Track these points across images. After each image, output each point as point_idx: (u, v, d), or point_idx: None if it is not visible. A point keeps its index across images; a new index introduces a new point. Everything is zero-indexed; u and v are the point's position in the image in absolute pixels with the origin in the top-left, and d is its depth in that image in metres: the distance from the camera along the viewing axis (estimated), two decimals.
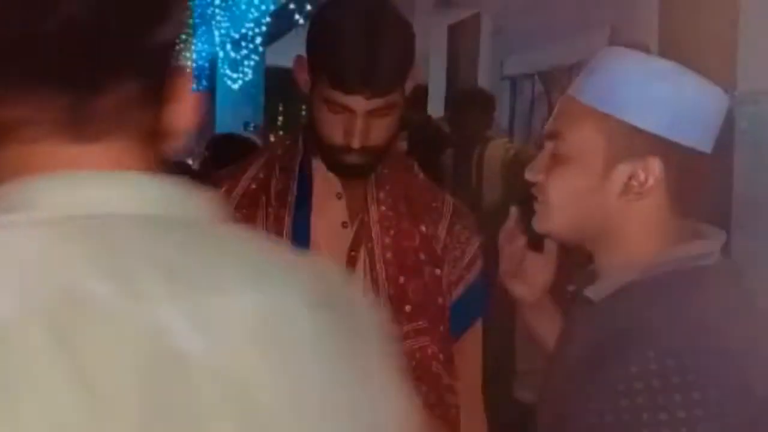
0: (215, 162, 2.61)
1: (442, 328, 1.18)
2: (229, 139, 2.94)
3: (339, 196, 1.18)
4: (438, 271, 1.19)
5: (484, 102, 3.35)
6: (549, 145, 0.87)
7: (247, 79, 8.60)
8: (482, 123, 3.27)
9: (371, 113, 1.07)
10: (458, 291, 1.22)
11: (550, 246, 0.99)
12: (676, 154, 0.81)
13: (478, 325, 1.25)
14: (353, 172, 1.13)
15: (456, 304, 1.21)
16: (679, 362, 0.72)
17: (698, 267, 0.81)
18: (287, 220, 1.14)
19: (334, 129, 1.09)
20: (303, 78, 1.14)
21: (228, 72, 8.87)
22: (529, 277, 1.00)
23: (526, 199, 0.93)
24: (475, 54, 5.69)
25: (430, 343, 1.15)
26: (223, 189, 1.18)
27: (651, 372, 0.71)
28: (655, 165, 0.81)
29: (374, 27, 1.06)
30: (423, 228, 1.19)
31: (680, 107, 0.81)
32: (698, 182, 0.84)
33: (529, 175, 0.88)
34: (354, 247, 1.16)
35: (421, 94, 3.17)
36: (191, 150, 5.88)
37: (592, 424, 0.73)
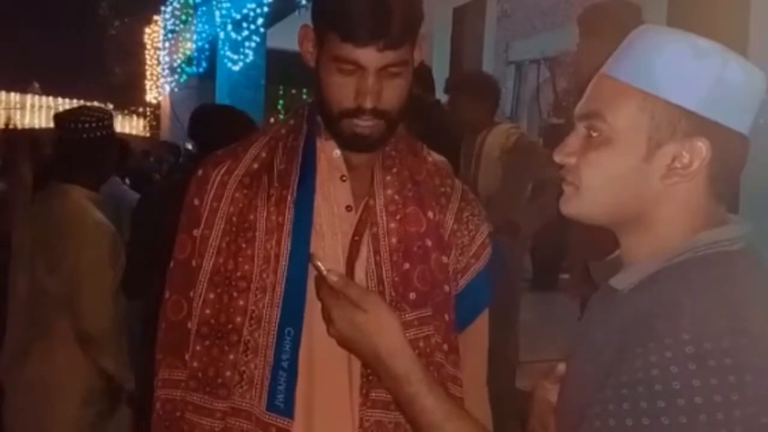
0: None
1: (447, 317, 1.13)
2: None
3: (343, 179, 1.13)
4: (444, 259, 1.14)
5: (487, 87, 3.24)
6: (581, 126, 0.83)
7: (248, 61, 8.51)
8: (484, 109, 3.17)
9: (383, 71, 1.03)
10: (465, 279, 1.17)
11: None
12: (720, 136, 0.77)
13: (485, 315, 1.21)
14: (363, 143, 1.08)
15: (462, 293, 1.16)
16: (716, 346, 0.68)
17: (727, 251, 0.78)
18: (289, 202, 1.10)
19: (345, 92, 1.05)
20: (307, 49, 1.09)
21: (229, 53, 8.77)
22: None
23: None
24: (480, 38, 5.62)
25: (434, 333, 1.11)
26: (225, 168, 1.13)
27: (687, 356, 0.68)
28: (702, 147, 0.77)
29: None
30: (430, 213, 1.14)
31: (724, 87, 0.77)
32: (737, 167, 0.80)
33: (557, 157, 0.84)
34: (358, 232, 1.12)
35: (427, 76, 3.06)
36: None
37: (624, 411, 0.70)
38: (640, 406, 0.69)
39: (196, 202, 1.13)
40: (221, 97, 9.05)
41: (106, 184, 2.45)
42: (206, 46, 10.03)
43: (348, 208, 1.13)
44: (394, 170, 1.14)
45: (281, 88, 11.37)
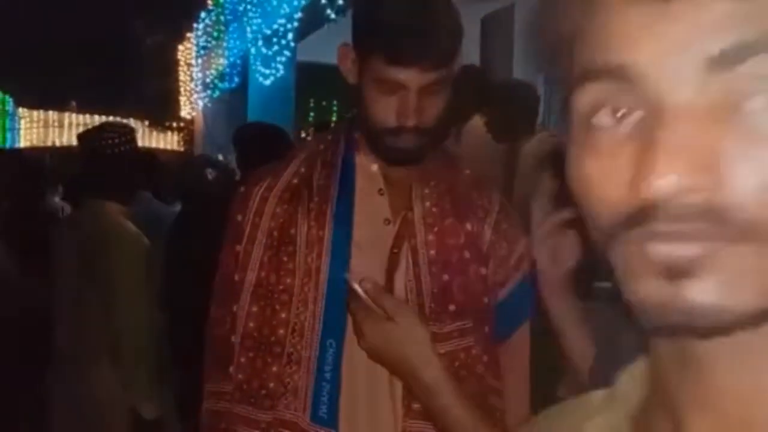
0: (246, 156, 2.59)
1: (487, 328, 1.14)
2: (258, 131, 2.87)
3: (381, 193, 1.15)
4: (483, 270, 1.15)
5: (531, 97, 3.16)
6: None
7: (278, 75, 8.62)
8: (528, 120, 3.10)
9: (424, 90, 1.06)
10: (504, 291, 1.18)
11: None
12: None
13: (526, 327, 1.21)
14: (405, 157, 1.11)
15: (502, 305, 1.17)
16: None
17: None
18: (329, 216, 1.12)
19: (387, 111, 1.08)
20: (347, 67, 1.12)
21: (260, 68, 8.90)
22: (558, 255, 0.97)
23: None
24: (509, 47, 5.61)
25: (475, 344, 1.12)
26: (266, 184, 1.16)
27: None
28: None
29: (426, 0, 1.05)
30: (468, 225, 1.16)
31: None
32: None
33: None
34: (396, 245, 1.13)
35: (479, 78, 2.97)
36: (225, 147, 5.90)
37: None
38: None
39: (239, 218, 1.16)
40: (253, 110, 9.17)
41: (137, 200, 2.52)
42: (238, 61, 10.18)
43: (386, 221, 1.14)
44: (432, 183, 1.16)
45: (311, 100, 11.47)
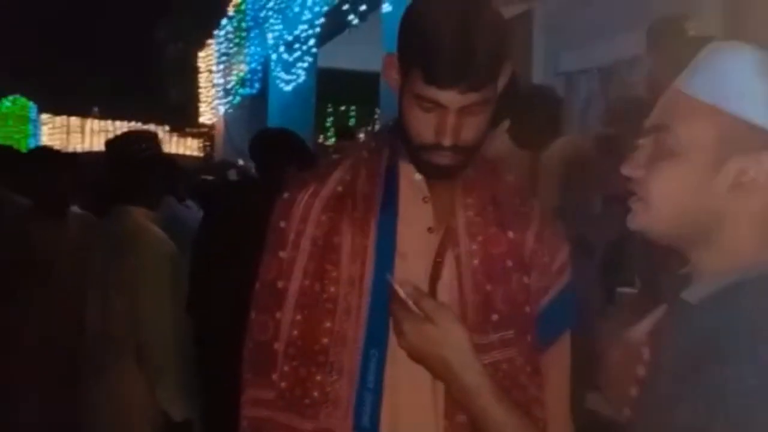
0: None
1: (529, 338, 1.13)
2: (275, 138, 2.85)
3: (425, 200, 1.14)
4: (526, 279, 1.14)
5: (549, 101, 3.14)
6: (649, 140, 0.84)
7: (299, 81, 8.66)
8: (548, 126, 3.07)
9: (464, 110, 1.04)
10: (546, 299, 1.16)
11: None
12: None
13: (567, 336, 1.20)
14: (442, 173, 1.10)
15: (544, 313, 1.16)
16: None
17: None
18: (373, 225, 1.11)
19: (424, 127, 1.06)
20: (392, 76, 1.10)
21: (281, 74, 8.94)
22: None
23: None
24: (528, 50, 5.59)
25: (517, 354, 1.11)
26: (310, 191, 1.15)
27: (766, 370, 0.68)
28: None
29: (468, 18, 1.01)
30: (510, 234, 1.14)
31: None
32: None
33: (626, 171, 0.85)
34: (440, 254, 1.12)
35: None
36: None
37: (700, 428, 0.69)
38: (715, 421, 0.68)
39: (282, 224, 1.15)
40: (273, 116, 9.21)
41: (163, 205, 2.54)
42: (258, 67, 10.23)
43: (430, 229, 1.13)
44: (475, 192, 1.15)
45: (330, 105, 11.51)
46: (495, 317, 1.10)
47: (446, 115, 1.03)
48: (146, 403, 2.18)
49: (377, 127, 7.62)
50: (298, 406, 1.09)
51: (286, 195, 1.18)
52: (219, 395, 1.46)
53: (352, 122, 11.35)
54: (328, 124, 11.45)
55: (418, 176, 1.14)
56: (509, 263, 1.13)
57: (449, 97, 1.02)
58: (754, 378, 0.68)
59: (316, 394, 1.08)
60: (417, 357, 0.95)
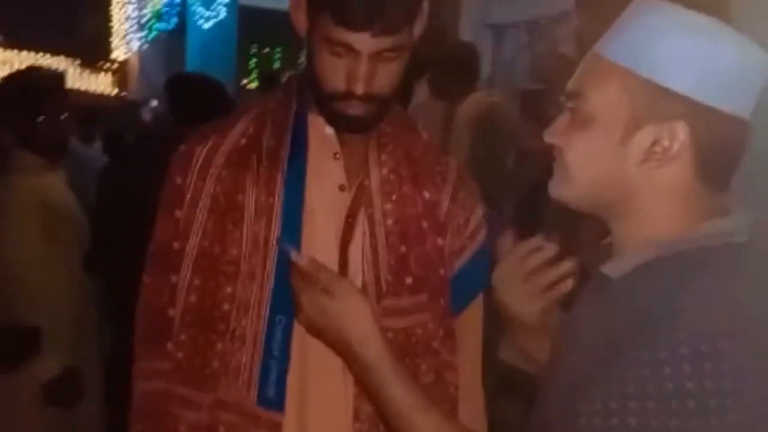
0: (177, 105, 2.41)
1: (442, 301, 1.09)
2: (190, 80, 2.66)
3: (336, 157, 1.07)
4: (440, 241, 1.09)
5: (471, 61, 3.12)
6: (569, 105, 0.80)
7: (220, 17, 8.28)
8: (467, 84, 3.06)
9: (377, 56, 0.97)
10: (460, 262, 1.13)
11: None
12: (706, 119, 0.73)
13: (480, 299, 1.17)
14: (354, 125, 1.02)
15: (458, 276, 1.12)
16: (714, 348, 0.66)
17: (729, 244, 0.74)
18: (279, 181, 1.04)
19: (335, 74, 0.98)
20: (300, 19, 1.02)
21: (200, 10, 8.52)
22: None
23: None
24: (456, 1, 5.52)
25: (431, 319, 1.07)
26: (210, 144, 1.07)
27: (682, 356, 0.66)
28: (681, 130, 0.73)
29: None
30: (426, 193, 1.09)
31: (713, 67, 0.72)
32: (732, 151, 0.76)
33: (546, 137, 0.81)
34: (352, 213, 1.06)
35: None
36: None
37: (613, 410, 0.67)
38: (628, 405, 0.66)
39: (179, 180, 1.06)
40: (192, 54, 8.81)
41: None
42: (176, 0, 9.73)
43: (341, 187, 1.07)
44: (389, 148, 1.08)
45: (254, 46, 11.12)
46: (409, 280, 1.06)
47: (358, 60, 0.96)
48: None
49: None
50: (197, 377, 1.02)
51: (182, 148, 1.09)
52: (123, 363, 1.34)
53: (277, 65, 11.03)
54: (251, 66, 11.08)
55: (328, 130, 1.07)
56: (424, 224, 1.09)
57: (361, 41, 0.95)
58: (667, 365, 0.66)
59: (216, 364, 1.02)
60: (315, 331, 0.89)
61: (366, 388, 0.87)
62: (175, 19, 9.91)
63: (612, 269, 0.78)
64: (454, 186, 1.12)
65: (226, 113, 1.15)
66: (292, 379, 1.02)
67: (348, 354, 0.87)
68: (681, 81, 0.72)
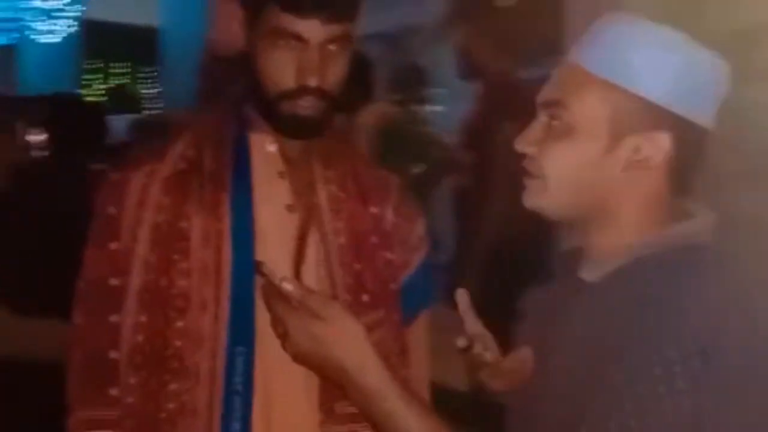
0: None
1: (395, 316, 1.08)
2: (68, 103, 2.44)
3: (282, 176, 1.03)
4: (389, 255, 1.08)
5: (359, 68, 3.06)
6: (544, 115, 0.81)
7: (59, 31, 7.72)
8: (359, 94, 3.01)
9: (325, 48, 0.94)
10: (407, 274, 1.12)
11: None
12: (682, 129, 0.78)
13: (427, 314, 1.16)
14: (305, 127, 0.98)
15: (405, 289, 1.11)
16: (719, 343, 0.69)
17: (694, 245, 0.79)
18: (226, 204, 0.98)
19: (284, 70, 0.95)
20: (232, 29, 0.98)
21: (37, 24, 7.90)
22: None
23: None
24: None
25: (387, 334, 1.06)
26: (146, 170, 1.00)
27: (691, 354, 0.68)
28: (664, 140, 0.77)
29: None
30: (372, 208, 1.08)
31: (689, 80, 0.77)
32: (697, 158, 0.82)
33: (519, 146, 0.82)
34: (302, 233, 1.03)
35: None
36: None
37: (629, 411, 0.68)
38: (643, 406, 0.68)
39: (112, 210, 0.98)
40: (27, 71, 8.16)
41: None
42: (10, 15, 8.97)
43: (289, 207, 1.03)
44: (334, 164, 1.06)
45: (101, 63, 10.50)
46: (366, 297, 1.04)
47: (308, 51, 0.94)
48: None
49: (158, 87, 7.04)
50: (152, 423, 0.94)
51: (113, 176, 1.00)
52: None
53: (123, 80, 10.48)
54: (97, 81, 10.44)
55: (271, 148, 1.03)
56: (374, 239, 1.07)
57: (310, 28, 0.93)
58: (677, 364, 0.68)
59: (171, 405, 0.94)
60: (305, 360, 0.82)
61: (369, 416, 0.81)
62: (16, 34, 9.12)
63: (590, 274, 0.80)
64: (396, 199, 1.12)
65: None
66: (256, 412, 0.97)
67: (346, 382, 0.81)
68: (660, 93, 0.76)
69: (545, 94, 0.81)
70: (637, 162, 0.77)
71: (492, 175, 2.27)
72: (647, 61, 0.76)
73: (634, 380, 0.68)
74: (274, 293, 0.82)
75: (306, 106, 0.96)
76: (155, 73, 8.24)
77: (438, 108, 6.38)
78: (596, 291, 0.79)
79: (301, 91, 0.95)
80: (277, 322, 0.82)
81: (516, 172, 0.85)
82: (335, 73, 0.97)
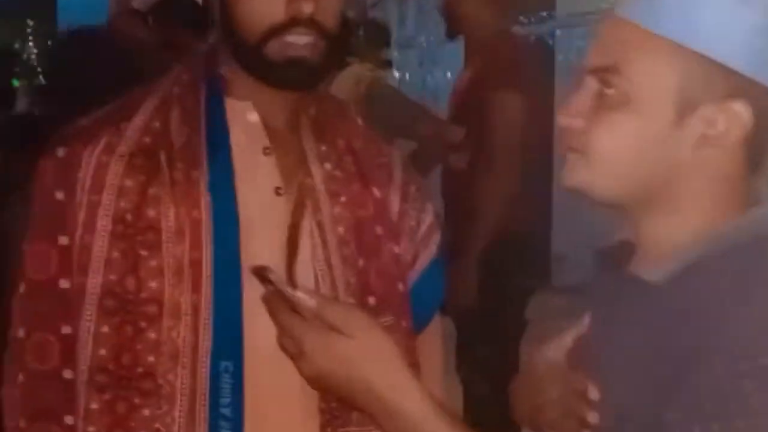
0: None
1: (405, 323, 0.92)
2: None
3: (267, 152, 0.86)
4: (396, 248, 0.92)
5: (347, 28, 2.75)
6: (592, 82, 0.70)
7: None
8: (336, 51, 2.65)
9: None
10: (415, 273, 0.96)
11: None
12: (761, 98, 0.67)
13: (438, 318, 1.01)
14: (297, 71, 0.82)
15: (414, 291, 0.95)
16: None
17: None
18: (202, 187, 0.81)
19: (270, 4, 0.80)
20: None
21: None
22: None
23: None
24: None
25: (397, 345, 0.89)
26: (102, 145, 0.82)
27: (764, 368, 0.60)
28: (744, 111, 0.67)
29: None
30: (375, 191, 0.91)
31: (764, 42, 0.66)
32: None
33: (563, 120, 0.71)
34: (295, 222, 0.86)
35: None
36: None
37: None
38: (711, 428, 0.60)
39: (60, 196, 0.81)
40: None
41: None
42: None
43: (277, 190, 0.86)
44: (328, 138, 0.89)
45: None
46: (372, 300, 0.88)
47: None
48: None
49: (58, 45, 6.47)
50: None
51: (61, 152, 0.82)
52: None
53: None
54: None
55: (253, 117, 0.86)
56: (378, 230, 0.91)
57: None
58: (748, 378, 0.60)
59: None
60: (325, 384, 0.68)
61: None
62: None
63: (653, 274, 0.68)
64: (402, 180, 0.95)
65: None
66: None
67: (378, 407, 0.67)
68: (737, 55, 0.66)
69: (594, 57, 0.70)
70: (709, 137, 0.67)
71: (489, 154, 2.00)
72: (723, 21, 0.66)
73: (719, 386, 0.60)
74: (283, 304, 0.67)
75: (299, 44, 0.81)
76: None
77: (405, 74, 5.84)
78: (662, 294, 0.68)
79: (293, 21, 0.80)
80: (287, 339, 0.68)
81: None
82: (329, 9, 0.82)
